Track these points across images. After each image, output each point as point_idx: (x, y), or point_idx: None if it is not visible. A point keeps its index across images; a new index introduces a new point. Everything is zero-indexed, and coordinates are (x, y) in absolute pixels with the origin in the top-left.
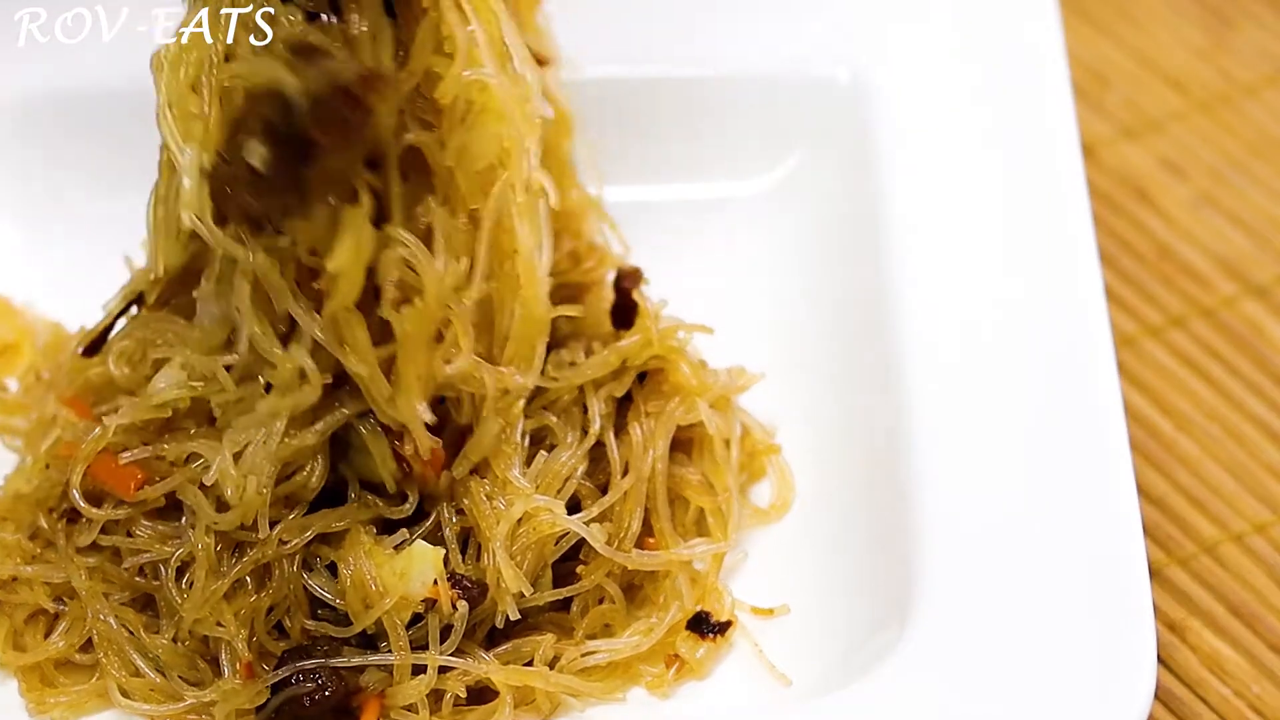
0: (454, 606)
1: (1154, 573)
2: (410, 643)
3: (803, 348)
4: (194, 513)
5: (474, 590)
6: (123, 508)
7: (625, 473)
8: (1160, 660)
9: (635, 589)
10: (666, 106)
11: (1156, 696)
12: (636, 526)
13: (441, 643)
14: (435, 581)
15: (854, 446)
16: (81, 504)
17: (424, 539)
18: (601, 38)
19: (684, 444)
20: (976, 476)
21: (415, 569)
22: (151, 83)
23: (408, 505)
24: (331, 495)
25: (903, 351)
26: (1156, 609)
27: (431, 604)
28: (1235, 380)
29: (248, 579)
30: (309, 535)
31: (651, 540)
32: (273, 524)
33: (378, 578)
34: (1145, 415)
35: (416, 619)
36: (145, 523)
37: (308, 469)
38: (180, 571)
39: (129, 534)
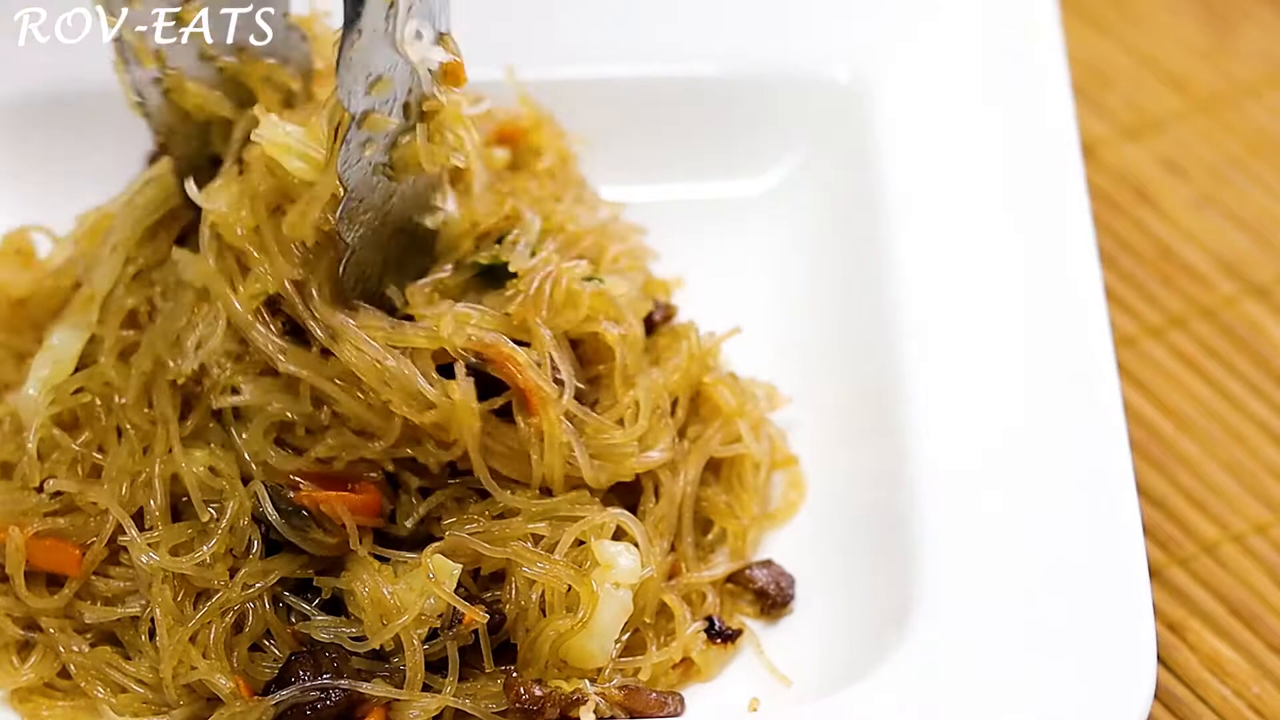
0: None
1: (1154, 573)
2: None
3: (803, 348)
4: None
5: (495, 616)
6: (73, 583)
7: (657, 494)
8: (1160, 660)
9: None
10: (666, 106)
11: (1156, 696)
12: (665, 547)
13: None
14: (465, 599)
15: (854, 447)
16: (34, 605)
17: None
18: (601, 38)
19: (712, 463)
20: (977, 477)
21: (433, 584)
22: None
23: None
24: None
25: (903, 352)
26: (1156, 609)
27: (450, 623)
28: (1235, 380)
29: (213, 623)
30: (272, 579)
31: (672, 555)
32: (233, 571)
33: (395, 593)
34: (1145, 415)
35: (430, 635)
36: (96, 581)
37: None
38: (151, 632)
39: (89, 596)
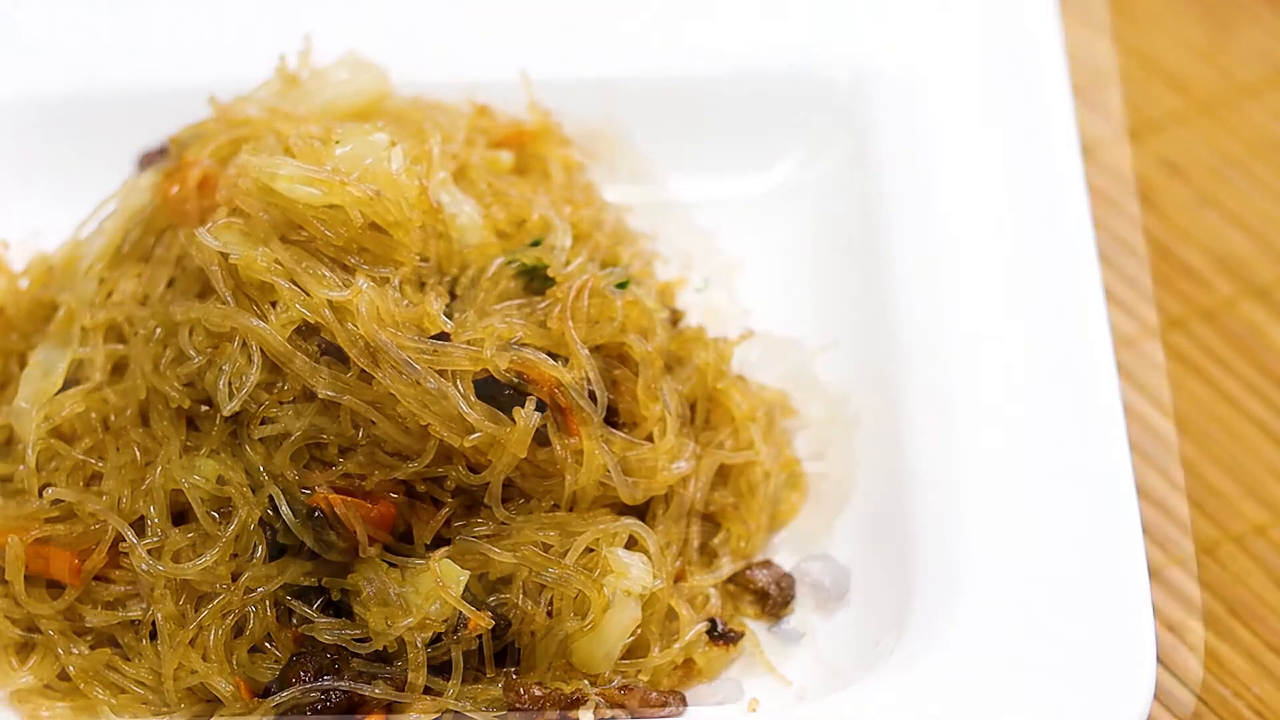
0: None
1: (1154, 573)
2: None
3: (802, 348)
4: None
5: (500, 622)
6: (73, 590)
7: (668, 502)
8: (1160, 660)
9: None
10: (666, 106)
11: (1156, 697)
12: (675, 553)
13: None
14: (471, 604)
15: (853, 448)
16: (34, 610)
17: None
18: (600, 38)
19: (721, 467)
20: (976, 478)
21: (439, 589)
22: (153, 85)
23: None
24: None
25: (902, 352)
26: (1156, 609)
27: (455, 628)
28: (1235, 381)
29: (214, 626)
30: (275, 584)
31: (679, 560)
32: (236, 575)
33: (401, 595)
34: (1145, 415)
35: (434, 639)
36: (97, 586)
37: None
38: (151, 634)
39: (90, 600)
